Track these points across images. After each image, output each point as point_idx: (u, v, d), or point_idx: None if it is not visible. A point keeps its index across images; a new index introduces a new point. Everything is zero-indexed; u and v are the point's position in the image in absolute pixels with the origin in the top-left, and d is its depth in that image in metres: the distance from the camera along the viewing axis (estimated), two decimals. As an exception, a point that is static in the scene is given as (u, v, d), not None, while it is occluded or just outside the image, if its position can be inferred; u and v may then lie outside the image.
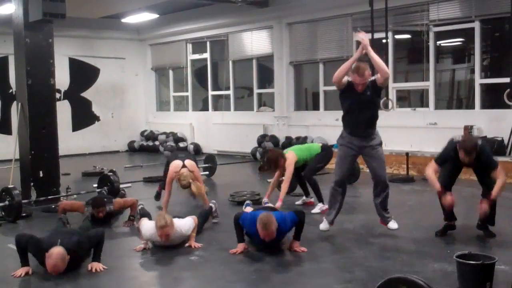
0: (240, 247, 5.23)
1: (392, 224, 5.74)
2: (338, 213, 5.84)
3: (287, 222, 5.20)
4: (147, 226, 5.42)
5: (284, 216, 5.23)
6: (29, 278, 4.66)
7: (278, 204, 6.73)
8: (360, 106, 5.51)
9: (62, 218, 6.22)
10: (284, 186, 6.94)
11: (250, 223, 5.17)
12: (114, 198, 6.83)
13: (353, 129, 5.61)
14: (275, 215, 5.13)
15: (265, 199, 6.95)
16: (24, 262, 4.78)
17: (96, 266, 4.80)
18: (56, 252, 4.58)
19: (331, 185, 5.77)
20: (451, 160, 5.43)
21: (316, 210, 6.91)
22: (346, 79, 5.49)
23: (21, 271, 4.73)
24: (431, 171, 5.48)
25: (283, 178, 7.07)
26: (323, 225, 5.84)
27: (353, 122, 5.59)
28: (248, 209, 6.02)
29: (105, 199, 6.59)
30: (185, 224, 5.50)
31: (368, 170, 5.94)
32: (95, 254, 4.89)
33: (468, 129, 9.37)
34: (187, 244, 5.44)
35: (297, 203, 7.44)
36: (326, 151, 7.30)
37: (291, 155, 7.06)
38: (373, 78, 5.48)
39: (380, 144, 5.71)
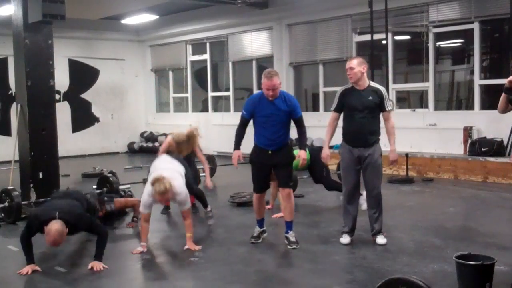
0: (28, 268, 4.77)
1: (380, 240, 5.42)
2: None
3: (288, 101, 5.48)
4: (145, 192, 5.36)
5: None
6: (29, 279, 4.66)
7: (269, 206, 6.74)
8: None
9: None
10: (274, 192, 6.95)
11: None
12: (115, 197, 6.81)
13: None
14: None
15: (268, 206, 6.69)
16: (30, 260, 4.79)
17: (97, 265, 4.80)
18: (55, 229, 4.61)
19: None
20: None
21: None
22: None
23: (28, 268, 4.73)
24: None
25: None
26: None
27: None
28: None
29: (105, 198, 6.57)
30: (180, 186, 5.42)
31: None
32: (97, 252, 4.89)
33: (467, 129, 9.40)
34: (186, 247, 5.40)
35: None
36: (317, 151, 7.15)
37: None
38: None
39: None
